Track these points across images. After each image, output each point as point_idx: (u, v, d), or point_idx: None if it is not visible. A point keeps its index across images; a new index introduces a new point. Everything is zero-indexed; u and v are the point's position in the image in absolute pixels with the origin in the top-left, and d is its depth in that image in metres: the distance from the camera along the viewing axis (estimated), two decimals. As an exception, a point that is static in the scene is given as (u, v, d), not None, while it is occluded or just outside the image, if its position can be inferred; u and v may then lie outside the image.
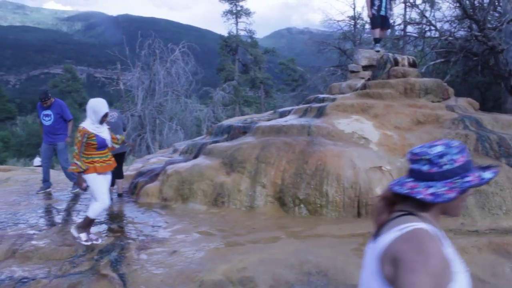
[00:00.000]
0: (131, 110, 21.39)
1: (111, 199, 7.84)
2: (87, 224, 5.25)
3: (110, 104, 7.98)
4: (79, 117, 44.11)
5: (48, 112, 8.23)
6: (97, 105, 5.08)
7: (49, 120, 8.23)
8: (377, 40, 11.08)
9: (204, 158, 8.00)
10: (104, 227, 6.10)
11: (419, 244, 1.44)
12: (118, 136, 5.68)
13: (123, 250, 5.06)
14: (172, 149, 10.89)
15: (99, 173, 5.16)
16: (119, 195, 7.94)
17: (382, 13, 10.58)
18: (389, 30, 11.87)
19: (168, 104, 22.35)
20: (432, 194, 1.54)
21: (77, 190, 8.29)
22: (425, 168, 1.58)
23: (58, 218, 6.51)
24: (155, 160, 9.79)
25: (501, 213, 6.02)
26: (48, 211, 7.02)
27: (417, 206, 1.61)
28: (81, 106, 58.39)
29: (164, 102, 22.20)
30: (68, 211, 6.98)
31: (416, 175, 1.62)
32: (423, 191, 1.56)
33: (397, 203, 1.67)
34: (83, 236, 5.19)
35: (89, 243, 5.13)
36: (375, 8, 10.62)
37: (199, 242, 5.35)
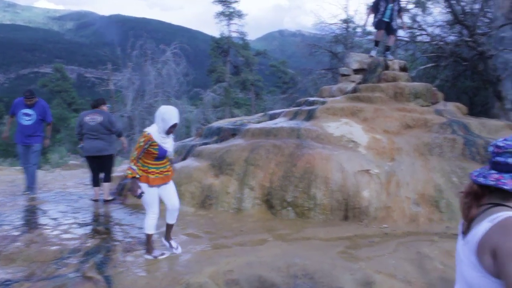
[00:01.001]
0: (121, 111, 21.28)
1: (97, 200, 7.81)
2: (149, 241, 4.94)
3: (97, 105, 7.85)
4: (68, 117, 43.92)
5: (30, 111, 7.97)
6: (168, 113, 4.60)
7: (30, 120, 7.96)
8: (376, 43, 10.99)
9: (193, 160, 7.98)
10: (90, 228, 6.04)
11: None
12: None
13: (109, 252, 5.02)
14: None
15: (151, 185, 4.75)
16: (105, 201, 7.78)
17: (386, 19, 10.52)
18: (396, 34, 11.56)
19: (158, 105, 22.15)
20: None
21: (29, 193, 8.11)
22: (510, 160, 1.64)
23: (43, 220, 6.44)
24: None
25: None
26: (33, 212, 6.95)
27: (504, 198, 1.65)
28: (70, 106, 58.04)
29: (154, 103, 22.09)
30: (54, 213, 6.91)
31: (500, 167, 1.67)
32: (509, 182, 1.61)
33: (483, 197, 1.71)
34: (156, 253, 4.93)
35: (163, 256, 4.92)
36: (380, 14, 10.56)
37: (186, 244, 5.33)
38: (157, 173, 4.77)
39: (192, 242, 5.47)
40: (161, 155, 4.70)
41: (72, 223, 6.25)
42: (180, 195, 7.18)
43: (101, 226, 6.18)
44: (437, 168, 6.72)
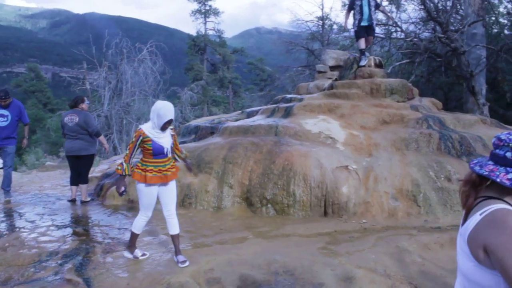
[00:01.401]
0: (98, 110, 20.99)
1: (74, 200, 7.71)
2: (133, 239, 4.85)
3: (75, 104, 7.74)
4: (44, 118, 43.19)
5: (5, 112, 7.81)
6: (163, 108, 4.47)
7: (5, 121, 7.80)
8: (362, 52, 10.42)
9: (172, 159, 7.93)
10: (68, 230, 5.96)
11: (502, 223, 1.52)
12: (184, 150, 5.08)
13: (88, 254, 4.97)
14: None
15: (149, 184, 4.56)
16: (82, 202, 7.69)
17: (364, 23, 10.14)
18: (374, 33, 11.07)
19: (136, 104, 22.03)
20: (510, 179, 1.60)
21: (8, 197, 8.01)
22: (508, 154, 1.64)
23: (20, 223, 6.33)
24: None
25: (462, 209, 6.18)
26: (10, 215, 6.83)
27: (499, 191, 1.66)
28: (46, 106, 57.04)
29: (131, 102, 21.87)
30: (31, 215, 6.80)
31: (497, 160, 1.68)
32: (502, 176, 1.62)
33: (481, 186, 1.72)
34: (137, 253, 4.84)
35: (144, 257, 4.83)
36: (356, 22, 10.21)
37: (166, 244, 5.30)
38: (155, 171, 4.56)
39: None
40: (157, 151, 4.54)
41: (50, 225, 6.16)
42: (159, 195, 7.19)
43: (80, 228, 6.11)
44: (414, 163, 6.83)
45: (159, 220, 6.39)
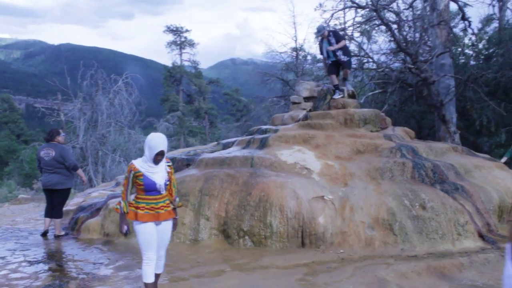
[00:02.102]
0: (73, 142, 20.73)
1: (47, 232, 7.54)
2: None
3: (51, 138, 7.66)
4: (17, 149, 42.40)
5: None
6: (154, 140, 4.27)
7: None
8: (336, 87, 10.32)
9: (147, 191, 7.86)
10: (41, 266, 5.82)
11: None
12: (177, 199, 4.66)
13: (61, 291, 4.85)
14: (115, 182, 10.62)
15: (143, 222, 4.25)
16: (56, 237, 7.53)
17: (331, 59, 10.16)
18: (349, 66, 10.58)
19: (111, 136, 21.84)
20: None
21: None
22: None
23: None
24: (97, 194, 9.49)
25: (437, 237, 6.28)
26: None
27: None
28: (19, 138, 56.07)
29: (107, 134, 21.67)
30: (1, 251, 6.61)
31: None
32: None
33: None
34: None
35: None
36: (326, 56, 10.30)
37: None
38: (147, 208, 4.28)
39: (148, 276, 5.35)
40: (149, 187, 4.27)
41: (22, 261, 6.02)
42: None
43: (53, 263, 5.98)
44: (389, 192, 6.91)
45: (134, 254, 6.30)
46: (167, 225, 4.42)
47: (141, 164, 4.29)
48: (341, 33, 12.85)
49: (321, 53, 10.58)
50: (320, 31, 10.12)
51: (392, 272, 5.22)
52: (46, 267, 5.79)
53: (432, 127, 17.30)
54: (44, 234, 7.59)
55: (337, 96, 10.28)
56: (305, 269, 5.54)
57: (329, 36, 10.02)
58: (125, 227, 4.36)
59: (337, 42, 10.00)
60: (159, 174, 4.31)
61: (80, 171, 7.82)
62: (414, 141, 9.52)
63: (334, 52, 9.99)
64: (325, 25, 10.58)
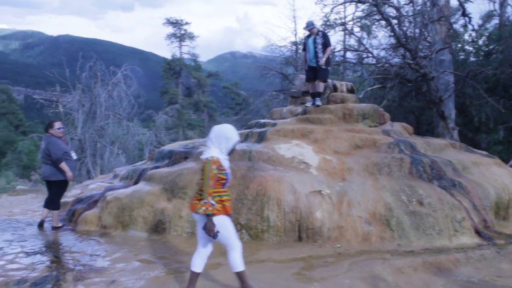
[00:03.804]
0: (71, 134, 20.71)
1: (43, 222, 7.54)
2: (241, 276, 4.40)
3: (46, 129, 7.66)
4: (15, 140, 42.32)
5: None
6: (229, 131, 4.20)
7: None
8: (311, 95, 10.00)
9: (145, 184, 7.87)
10: (38, 257, 5.82)
11: None
12: None
13: (58, 282, 4.86)
14: (113, 175, 10.61)
15: (227, 214, 4.22)
16: (54, 228, 7.51)
17: (311, 64, 9.79)
18: (325, 78, 9.92)
19: (110, 128, 21.83)
20: None
21: None
22: None
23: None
24: (95, 186, 9.48)
25: (434, 233, 6.29)
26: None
27: None
28: (18, 129, 56.00)
29: (106, 126, 21.65)
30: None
31: None
32: None
33: None
34: None
35: None
36: (307, 63, 9.95)
37: (139, 271, 5.23)
38: (228, 200, 4.26)
39: (146, 268, 5.37)
40: (229, 180, 4.27)
41: (19, 252, 6.02)
42: (132, 220, 7.12)
43: (50, 254, 5.98)
44: (387, 187, 6.92)
45: (131, 246, 6.31)
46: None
47: (222, 158, 4.16)
48: (341, 28, 12.73)
49: (304, 49, 10.22)
50: (308, 26, 9.83)
51: (389, 267, 5.24)
52: (43, 258, 5.79)
53: (431, 123, 17.31)
54: (41, 225, 7.57)
55: (309, 104, 9.93)
56: (301, 263, 5.55)
57: (317, 34, 9.75)
58: (216, 229, 4.09)
59: (325, 45, 9.65)
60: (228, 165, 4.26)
61: (63, 165, 7.39)
62: (412, 136, 9.52)
63: (316, 56, 9.63)
64: (316, 25, 10.12)
